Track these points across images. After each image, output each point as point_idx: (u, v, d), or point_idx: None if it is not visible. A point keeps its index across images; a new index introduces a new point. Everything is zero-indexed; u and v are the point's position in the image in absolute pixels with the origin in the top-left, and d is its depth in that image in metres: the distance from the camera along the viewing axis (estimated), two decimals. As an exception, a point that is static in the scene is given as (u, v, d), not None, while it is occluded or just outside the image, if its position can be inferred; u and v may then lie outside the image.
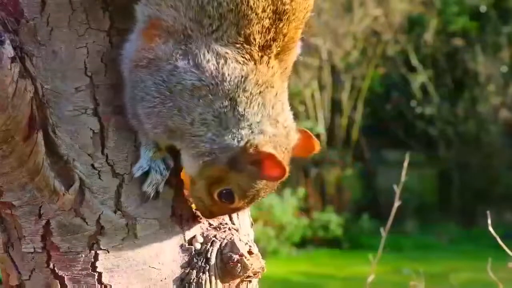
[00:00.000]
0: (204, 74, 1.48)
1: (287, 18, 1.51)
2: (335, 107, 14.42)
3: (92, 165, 1.59)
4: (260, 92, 1.50)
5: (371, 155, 14.78)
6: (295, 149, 1.61)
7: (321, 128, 13.92)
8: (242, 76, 1.49)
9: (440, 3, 14.85)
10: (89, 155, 1.58)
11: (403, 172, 2.90)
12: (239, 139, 1.50)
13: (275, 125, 1.53)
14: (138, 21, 1.55)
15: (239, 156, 1.51)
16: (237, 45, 1.49)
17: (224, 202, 1.58)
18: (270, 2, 1.48)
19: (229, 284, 1.66)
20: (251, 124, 1.50)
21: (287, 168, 1.50)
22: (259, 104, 1.51)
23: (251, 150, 1.50)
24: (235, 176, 1.54)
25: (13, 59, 1.50)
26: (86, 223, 1.59)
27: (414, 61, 14.58)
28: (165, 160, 1.59)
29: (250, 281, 1.71)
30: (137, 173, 1.58)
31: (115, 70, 1.59)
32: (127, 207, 1.59)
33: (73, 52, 1.57)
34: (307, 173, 13.88)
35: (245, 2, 1.47)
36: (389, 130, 14.62)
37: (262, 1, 1.47)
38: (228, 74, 1.48)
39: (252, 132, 1.50)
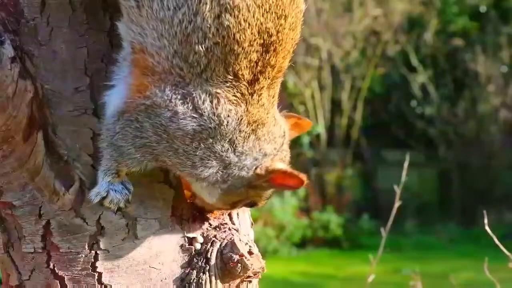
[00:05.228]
0: (202, 117, 1.47)
1: (274, 50, 1.48)
2: (335, 107, 14.42)
3: (92, 166, 1.59)
4: (253, 130, 1.52)
5: (371, 155, 14.78)
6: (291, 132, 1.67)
7: (321, 128, 13.92)
8: (237, 119, 1.49)
9: (440, 3, 14.85)
10: (89, 155, 1.58)
11: (404, 172, 2.90)
12: (247, 170, 1.54)
13: (273, 143, 1.56)
14: (124, 48, 1.52)
15: (253, 180, 1.55)
16: (227, 84, 1.47)
17: (251, 206, 1.67)
18: (257, 36, 1.46)
19: (229, 284, 1.66)
20: (253, 155, 1.53)
21: (303, 177, 1.55)
22: (253, 139, 1.53)
23: (263, 173, 1.54)
24: (255, 192, 1.60)
25: (13, 59, 1.50)
26: (86, 223, 1.59)
27: (414, 61, 14.58)
28: (123, 183, 1.57)
29: (250, 281, 1.71)
30: (95, 199, 1.56)
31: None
32: (127, 207, 1.59)
33: (74, 52, 1.57)
34: (307, 173, 13.84)
35: (231, 35, 1.43)
36: (389, 130, 14.62)
37: (248, 34, 1.44)
38: (224, 117, 1.48)
39: (256, 159, 1.54)
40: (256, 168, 1.53)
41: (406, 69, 14.71)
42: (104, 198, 1.56)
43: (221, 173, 1.52)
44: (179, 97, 1.46)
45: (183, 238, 1.65)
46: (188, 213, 1.66)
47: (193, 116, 1.47)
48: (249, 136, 1.51)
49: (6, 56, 1.49)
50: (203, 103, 1.47)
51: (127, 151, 1.52)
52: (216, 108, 1.47)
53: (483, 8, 14.79)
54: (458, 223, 13.50)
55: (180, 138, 1.48)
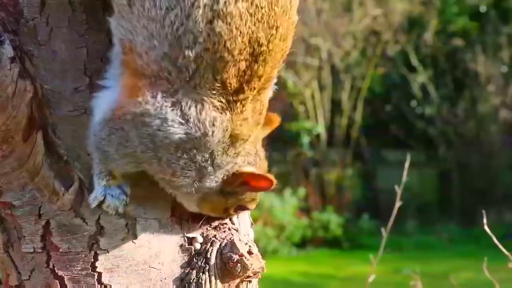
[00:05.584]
0: (189, 125, 1.46)
1: (263, 60, 1.47)
2: (335, 107, 14.42)
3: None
4: (232, 143, 1.52)
5: (371, 155, 14.78)
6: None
7: (321, 128, 13.93)
8: (222, 129, 1.48)
9: (440, 3, 14.86)
10: (89, 155, 1.58)
11: (405, 172, 2.90)
12: (217, 180, 1.55)
13: (247, 156, 1.57)
14: (114, 45, 1.52)
15: (224, 187, 1.56)
16: (214, 91, 1.45)
17: (242, 211, 1.67)
18: (247, 44, 1.44)
19: (229, 284, 1.66)
20: (226, 167, 1.54)
21: (272, 178, 1.55)
22: (232, 154, 1.53)
23: (231, 178, 1.55)
24: (234, 198, 1.60)
25: (13, 59, 1.50)
26: (86, 223, 1.59)
27: (414, 61, 14.58)
28: (121, 187, 1.57)
29: (250, 281, 1.71)
30: (93, 204, 1.57)
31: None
32: (126, 207, 1.59)
33: (73, 52, 1.57)
34: (307, 173, 13.89)
35: (222, 42, 1.42)
36: (389, 130, 14.62)
37: (239, 42, 1.43)
38: (210, 126, 1.47)
39: (227, 171, 1.55)
40: (224, 176, 1.54)
41: (406, 69, 14.71)
42: (102, 202, 1.56)
43: (196, 184, 1.53)
44: (169, 105, 1.45)
45: (182, 238, 1.65)
46: (188, 213, 1.66)
47: (180, 123, 1.46)
48: (228, 149, 1.51)
49: (6, 56, 1.49)
50: (189, 108, 1.45)
51: (111, 156, 1.53)
52: (200, 114, 1.46)
53: (483, 8, 14.79)
54: (458, 223, 13.51)
55: (165, 147, 1.48)
